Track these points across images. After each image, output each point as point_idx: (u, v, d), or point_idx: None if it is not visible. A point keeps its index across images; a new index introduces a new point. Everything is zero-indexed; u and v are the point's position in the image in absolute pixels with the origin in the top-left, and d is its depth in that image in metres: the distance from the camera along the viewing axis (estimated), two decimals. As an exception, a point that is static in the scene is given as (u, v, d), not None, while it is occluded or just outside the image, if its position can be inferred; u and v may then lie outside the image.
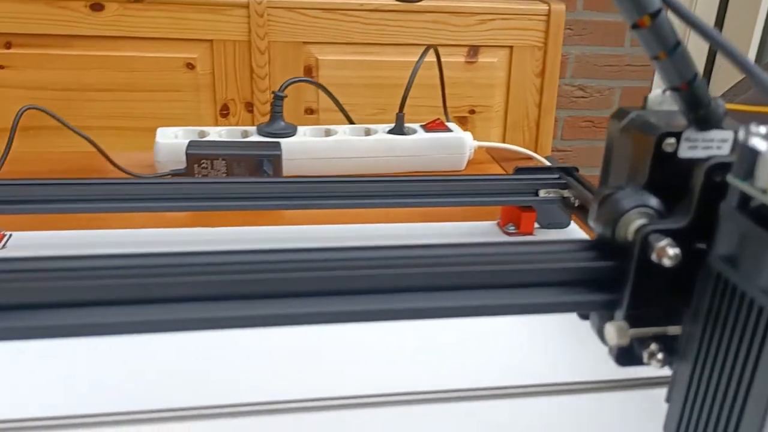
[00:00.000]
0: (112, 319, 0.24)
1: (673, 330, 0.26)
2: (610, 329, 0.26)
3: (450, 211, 0.59)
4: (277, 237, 0.55)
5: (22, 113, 0.59)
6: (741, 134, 0.22)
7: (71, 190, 0.47)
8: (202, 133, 0.65)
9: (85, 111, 1.17)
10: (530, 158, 0.75)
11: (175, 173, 0.60)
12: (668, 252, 0.23)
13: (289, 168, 0.62)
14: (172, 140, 0.62)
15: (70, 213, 0.47)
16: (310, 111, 1.20)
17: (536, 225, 0.55)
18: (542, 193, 0.52)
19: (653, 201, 0.26)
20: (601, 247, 0.26)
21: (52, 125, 0.71)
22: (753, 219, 0.22)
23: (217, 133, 0.65)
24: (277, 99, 0.66)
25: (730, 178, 0.22)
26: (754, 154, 0.21)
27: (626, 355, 0.26)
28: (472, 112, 1.26)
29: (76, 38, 1.13)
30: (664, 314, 0.26)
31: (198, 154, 0.59)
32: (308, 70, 1.18)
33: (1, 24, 1.11)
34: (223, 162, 0.59)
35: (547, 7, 1.20)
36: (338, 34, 1.18)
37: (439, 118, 0.71)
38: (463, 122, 1.26)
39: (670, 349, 0.26)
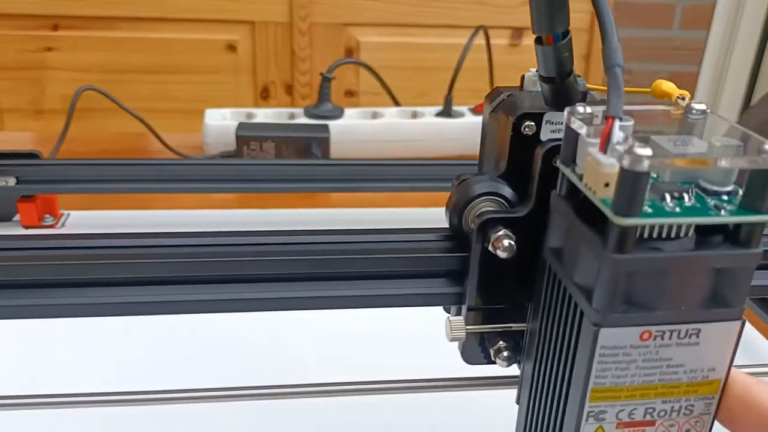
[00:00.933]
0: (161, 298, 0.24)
1: (518, 326, 0.24)
2: (446, 323, 0.24)
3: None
4: (323, 220, 0.55)
5: (79, 93, 0.60)
6: (565, 114, 0.20)
7: (126, 171, 0.47)
8: (250, 115, 0.65)
9: (127, 93, 1.18)
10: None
11: (225, 155, 0.60)
12: (503, 243, 0.22)
13: (336, 150, 0.61)
14: (221, 122, 0.62)
15: (126, 193, 0.48)
16: (350, 93, 1.19)
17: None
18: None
19: (506, 189, 0.24)
20: (457, 237, 0.25)
21: (99, 106, 0.72)
22: (575, 209, 0.20)
23: (264, 115, 0.65)
24: (325, 81, 0.65)
25: (558, 163, 0.21)
26: (575, 137, 0.20)
27: (474, 353, 0.25)
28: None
29: (120, 20, 1.14)
30: (513, 310, 0.24)
31: (248, 136, 0.59)
32: (349, 52, 1.17)
33: (48, 6, 1.13)
34: (272, 144, 0.59)
35: (594, -11, 1.17)
36: (380, 16, 1.16)
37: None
38: (504, 106, 1.23)
39: (517, 347, 0.25)
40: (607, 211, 0.17)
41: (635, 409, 0.20)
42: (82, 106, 1.10)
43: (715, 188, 0.19)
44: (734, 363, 0.20)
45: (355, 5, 1.16)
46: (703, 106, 0.20)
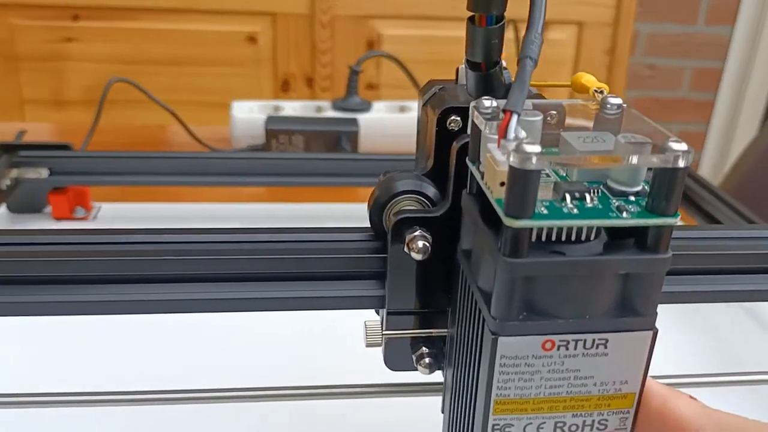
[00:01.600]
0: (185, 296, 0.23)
1: (439, 332, 0.23)
2: (363, 327, 0.23)
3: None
4: (352, 215, 0.54)
5: (110, 85, 0.59)
6: (470, 108, 0.18)
7: (158, 164, 0.47)
8: (277, 108, 0.64)
9: (147, 84, 1.17)
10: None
11: (253, 148, 0.60)
12: (417, 244, 0.21)
13: (365, 144, 0.60)
14: (249, 114, 0.62)
15: (157, 185, 0.47)
16: (370, 86, 1.18)
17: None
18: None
19: (430, 188, 0.22)
20: (380, 236, 0.23)
21: (124, 98, 0.71)
22: (480, 209, 0.18)
23: (291, 108, 0.64)
24: (354, 74, 0.64)
25: (467, 160, 0.19)
26: (479, 132, 0.18)
27: (399, 358, 0.24)
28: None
29: (140, 11, 1.13)
30: (437, 314, 0.23)
31: (277, 130, 0.58)
32: (370, 45, 1.16)
33: (68, -5, 1.12)
34: (302, 137, 0.58)
35: (619, -17, 1.15)
36: (402, 8, 1.15)
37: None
38: (526, 101, 1.22)
39: (441, 354, 0.23)
40: (500, 212, 0.16)
41: (544, 423, 0.19)
42: (107, 97, 1.09)
43: (623, 188, 0.17)
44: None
45: (377, -4, 1.15)
46: (618, 101, 0.19)
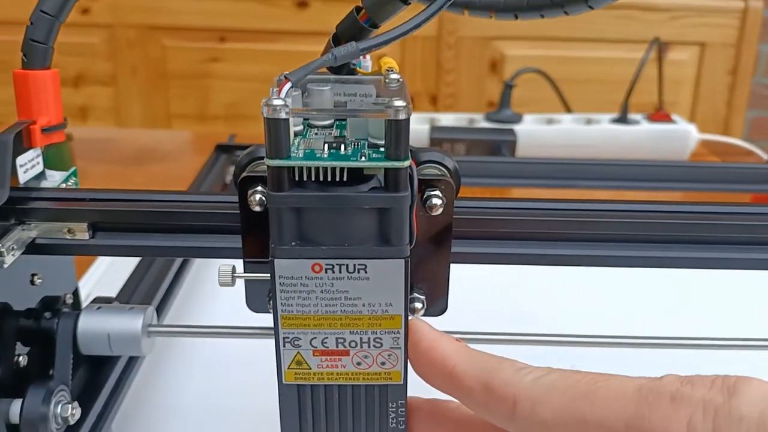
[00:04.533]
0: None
1: None
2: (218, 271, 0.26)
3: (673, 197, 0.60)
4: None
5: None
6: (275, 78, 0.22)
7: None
8: (433, 119, 0.71)
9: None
10: (750, 153, 0.74)
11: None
12: (255, 197, 0.23)
13: (520, 152, 0.66)
14: (414, 125, 0.68)
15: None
16: (490, 104, 1.23)
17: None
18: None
19: None
20: None
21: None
22: None
23: (446, 120, 0.71)
24: (507, 88, 0.70)
25: None
26: None
27: (257, 301, 0.26)
28: (657, 109, 1.24)
29: (282, 34, 1.23)
30: None
31: (441, 138, 0.64)
32: (493, 65, 1.22)
33: (216, 19, 1.24)
34: (463, 145, 0.64)
35: (744, 4, 1.16)
36: (525, 30, 1.20)
37: (662, 109, 0.72)
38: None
39: None
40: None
41: (326, 338, 0.22)
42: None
43: (375, 141, 0.21)
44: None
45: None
46: (396, 76, 0.23)
